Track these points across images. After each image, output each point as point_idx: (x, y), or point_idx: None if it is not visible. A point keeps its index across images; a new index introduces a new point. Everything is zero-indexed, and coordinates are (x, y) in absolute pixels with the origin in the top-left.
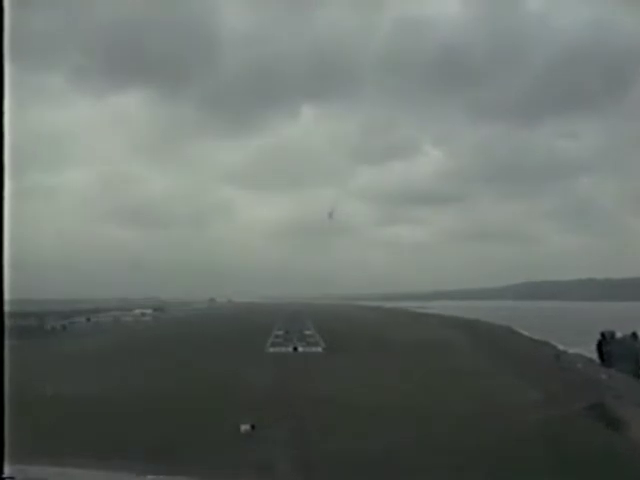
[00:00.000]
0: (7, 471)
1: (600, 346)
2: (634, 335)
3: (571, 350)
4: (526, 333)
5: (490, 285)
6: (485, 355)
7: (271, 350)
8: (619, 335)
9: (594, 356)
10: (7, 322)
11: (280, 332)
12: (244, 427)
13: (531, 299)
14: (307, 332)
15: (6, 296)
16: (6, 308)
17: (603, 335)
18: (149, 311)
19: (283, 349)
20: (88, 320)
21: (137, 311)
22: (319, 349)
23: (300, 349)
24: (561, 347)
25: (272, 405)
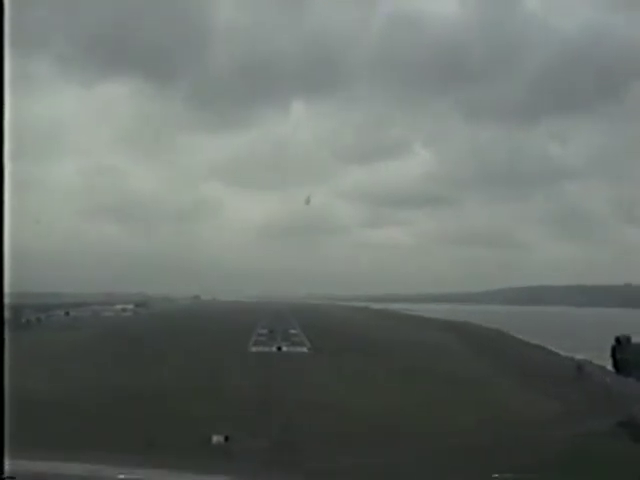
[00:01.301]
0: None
1: (614, 352)
2: None
3: (577, 356)
4: (519, 336)
5: (477, 289)
6: (483, 359)
7: (253, 349)
8: (636, 340)
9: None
10: None
11: (264, 331)
12: (216, 438)
13: (518, 304)
14: (292, 331)
15: (6, 289)
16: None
17: (618, 340)
18: (130, 306)
19: (266, 348)
20: (67, 314)
21: (118, 306)
22: (304, 349)
23: (284, 349)
24: (562, 353)
25: (251, 411)
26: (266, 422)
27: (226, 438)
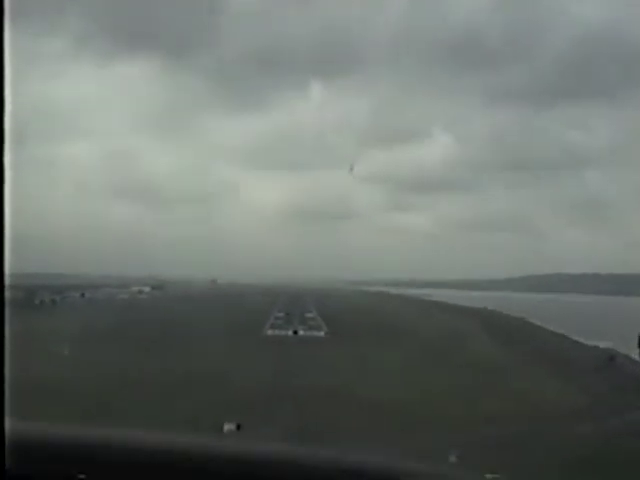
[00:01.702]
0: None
1: None
2: None
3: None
4: (543, 325)
5: (494, 276)
6: (509, 347)
7: (269, 333)
8: None
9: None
10: None
11: (280, 314)
12: (228, 426)
13: (538, 291)
14: (309, 315)
15: (6, 270)
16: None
17: None
18: (147, 289)
19: (283, 332)
20: (82, 296)
21: (134, 288)
22: (321, 333)
23: (301, 332)
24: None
25: (264, 398)
26: (280, 410)
27: (238, 426)
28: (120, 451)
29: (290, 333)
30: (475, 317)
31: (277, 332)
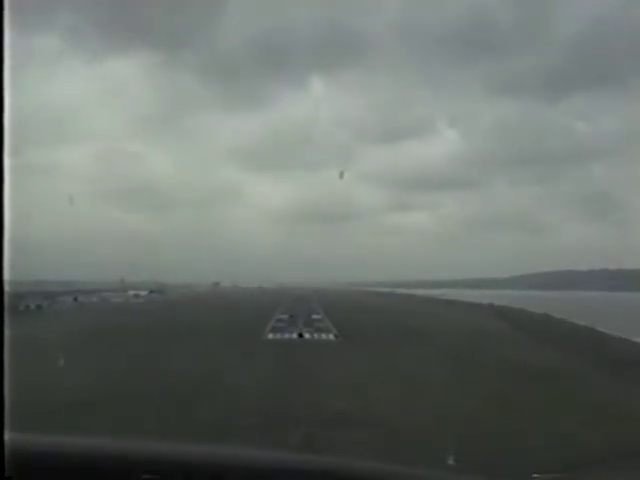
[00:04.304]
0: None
1: None
2: None
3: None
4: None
5: (503, 274)
6: (547, 346)
7: (270, 337)
8: None
9: None
10: None
11: (284, 316)
12: None
13: (547, 289)
14: (315, 316)
15: (6, 277)
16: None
17: None
18: (144, 292)
19: (286, 335)
20: (75, 300)
21: (131, 292)
22: (330, 336)
23: (307, 335)
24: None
25: (258, 424)
26: (282, 439)
27: None
28: (118, 461)
29: (294, 336)
30: (498, 315)
31: (279, 336)
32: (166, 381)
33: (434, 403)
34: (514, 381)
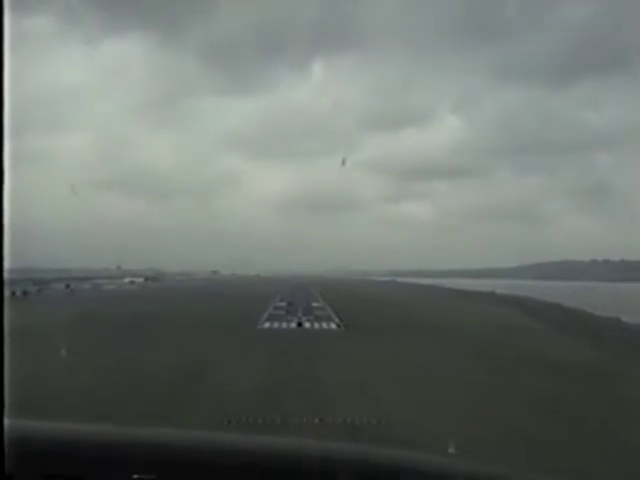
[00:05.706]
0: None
1: None
2: None
3: None
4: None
5: (505, 264)
6: (574, 338)
7: (265, 326)
8: None
9: None
10: None
11: (282, 304)
12: None
13: (550, 279)
14: (315, 304)
15: (6, 265)
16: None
17: None
18: (140, 279)
19: (283, 324)
20: (67, 287)
21: (126, 279)
22: (332, 325)
23: (306, 325)
24: None
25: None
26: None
27: None
28: (121, 449)
29: (293, 326)
30: (509, 304)
31: (276, 325)
32: (164, 367)
33: (464, 406)
34: (558, 379)
